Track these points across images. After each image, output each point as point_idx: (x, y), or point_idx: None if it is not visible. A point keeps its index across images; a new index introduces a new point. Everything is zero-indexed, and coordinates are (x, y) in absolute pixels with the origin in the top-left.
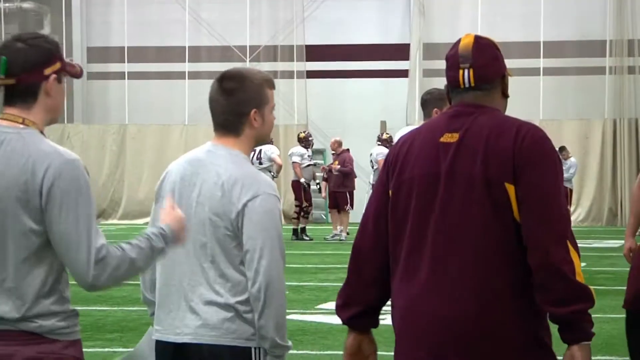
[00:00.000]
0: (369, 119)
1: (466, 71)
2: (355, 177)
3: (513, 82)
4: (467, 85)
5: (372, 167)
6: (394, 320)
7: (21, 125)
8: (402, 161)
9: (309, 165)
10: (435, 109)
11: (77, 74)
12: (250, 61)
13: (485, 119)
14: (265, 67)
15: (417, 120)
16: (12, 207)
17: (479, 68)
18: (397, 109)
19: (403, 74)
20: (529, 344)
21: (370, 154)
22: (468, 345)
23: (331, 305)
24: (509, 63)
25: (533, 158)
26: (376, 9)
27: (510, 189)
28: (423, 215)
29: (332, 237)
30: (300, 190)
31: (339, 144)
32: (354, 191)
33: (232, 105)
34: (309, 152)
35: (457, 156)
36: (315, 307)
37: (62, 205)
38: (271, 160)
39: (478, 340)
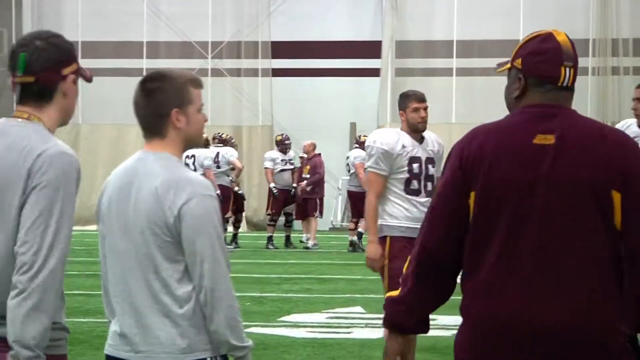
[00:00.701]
0: (337, 120)
1: (569, 70)
2: (324, 182)
3: (492, 82)
4: (565, 85)
5: (349, 171)
6: (469, 330)
7: (26, 120)
8: (489, 161)
9: (283, 170)
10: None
11: (89, 78)
12: (212, 58)
13: (578, 120)
14: (228, 64)
15: (388, 121)
16: (7, 192)
17: (576, 69)
18: (368, 110)
19: (374, 72)
20: (625, 351)
21: (347, 157)
22: (578, 355)
23: (295, 317)
24: (487, 62)
25: (637, 167)
26: (346, 4)
27: (617, 196)
28: (519, 220)
29: (313, 245)
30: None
31: (314, 147)
32: (324, 197)
33: (152, 107)
34: (289, 155)
35: (558, 159)
36: (278, 319)
37: (41, 191)
38: (230, 163)
39: (590, 349)
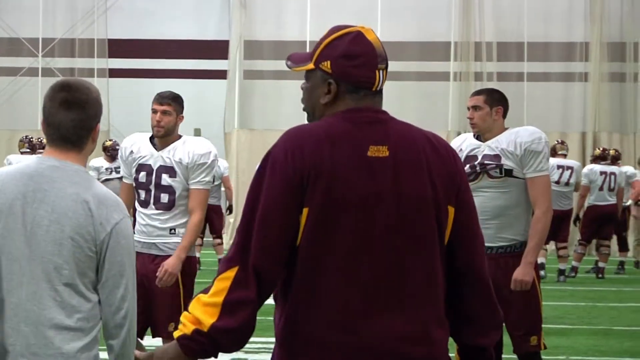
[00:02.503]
0: (181, 125)
1: (382, 72)
2: None
3: None
4: (379, 88)
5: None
6: (309, 353)
7: None
8: (327, 174)
9: (108, 180)
10: None
11: None
12: (43, 56)
13: (405, 130)
14: (60, 63)
15: (235, 127)
16: None
17: (387, 70)
18: (214, 115)
19: (221, 74)
20: None
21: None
22: None
23: None
24: None
25: (465, 178)
26: (191, 0)
27: (451, 211)
28: (363, 237)
29: None
30: None
31: None
32: None
33: (84, 119)
34: (117, 162)
35: (397, 175)
36: None
37: None
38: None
39: None
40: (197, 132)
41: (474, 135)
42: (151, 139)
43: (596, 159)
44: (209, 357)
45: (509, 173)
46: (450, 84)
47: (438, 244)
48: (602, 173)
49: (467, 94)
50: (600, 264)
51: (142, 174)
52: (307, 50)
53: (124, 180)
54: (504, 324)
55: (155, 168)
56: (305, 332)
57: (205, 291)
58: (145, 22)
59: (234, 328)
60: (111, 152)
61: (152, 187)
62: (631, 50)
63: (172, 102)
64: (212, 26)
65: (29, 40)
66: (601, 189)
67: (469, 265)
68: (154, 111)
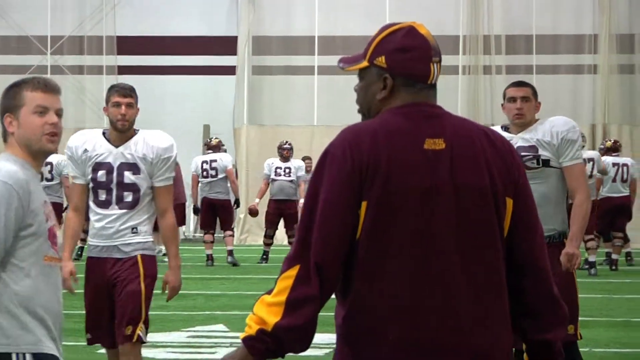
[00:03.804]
0: (190, 122)
1: (436, 65)
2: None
3: (353, 82)
4: (434, 82)
5: (206, 176)
6: (384, 354)
7: None
8: (385, 168)
9: None
10: None
11: None
12: (52, 54)
13: (461, 123)
14: (69, 61)
15: (245, 123)
16: None
17: (441, 64)
18: (223, 111)
19: (229, 70)
20: None
21: (208, 162)
22: None
23: (153, 336)
24: None
25: (523, 170)
26: None
27: (509, 203)
28: (426, 232)
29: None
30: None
31: None
32: (185, 204)
33: None
34: None
35: (455, 166)
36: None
37: None
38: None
39: None
40: (207, 128)
41: (502, 128)
42: (103, 134)
43: (608, 151)
44: (277, 357)
45: (546, 163)
46: (459, 77)
47: (498, 236)
48: (614, 165)
49: (476, 88)
50: (614, 256)
51: (101, 173)
52: (316, 46)
53: (75, 181)
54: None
55: (115, 166)
56: (368, 326)
57: (269, 292)
58: (153, 18)
59: (297, 326)
60: None
61: (113, 186)
62: None
63: (134, 94)
64: (221, 22)
65: (38, 38)
66: (614, 180)
67: (529, 257)
68: (117, 104)
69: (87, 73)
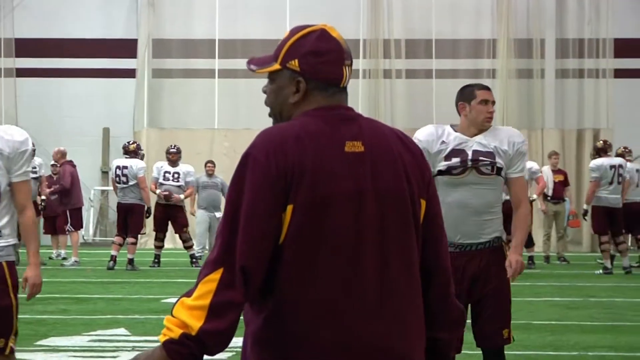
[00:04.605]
0: (90, 125)
1: (347, 69)
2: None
3: (256, 84)
4: (346, 85)
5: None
6: (297, 352)
7: None
8: (311, 172)
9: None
10: None
11: None
12: None
13: (375, 126)
14: None
15: (145, 126)
16: None
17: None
18: (123, 114)
19: (129, 73)
20: None
21: (121, 167)
22: None
23: (53, 341)
24: None
25: (431, 173)
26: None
27: (423, 204)
28: (352, 235)
29: (71, 263)
30: None
31: (62, 154)
32: (81, 208)
33: None
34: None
35: (376, 170)
36: (34, 343)
37: None
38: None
39: None
40: (106, 132)
41: (451, 127)
42: None
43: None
44: None
45: (499, 171)
46: (359, 81)
47: (415, 239)
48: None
49: (376, 91)
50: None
51: None
52: (216, 50)
53: None
54: (473, 320)
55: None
56: (295, 331)
57: (189, 294)
58: (52, 21)
59: (222, 330)
60: None
61: None
62: (538, 46)
63: None
64: (120, 25)
65: None
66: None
67: (435, 257)
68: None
69: None
